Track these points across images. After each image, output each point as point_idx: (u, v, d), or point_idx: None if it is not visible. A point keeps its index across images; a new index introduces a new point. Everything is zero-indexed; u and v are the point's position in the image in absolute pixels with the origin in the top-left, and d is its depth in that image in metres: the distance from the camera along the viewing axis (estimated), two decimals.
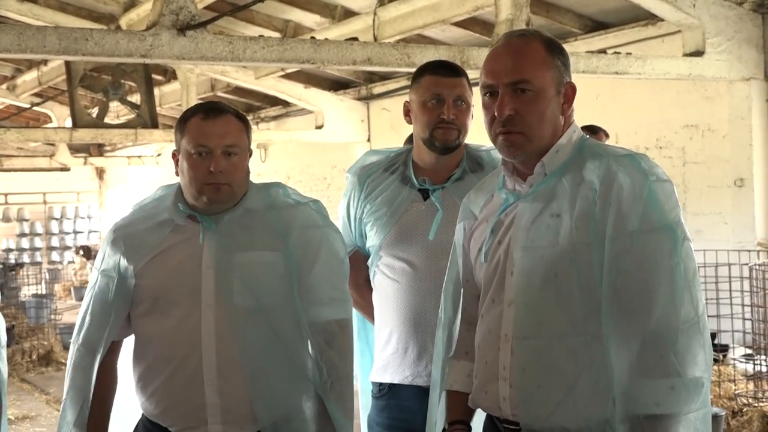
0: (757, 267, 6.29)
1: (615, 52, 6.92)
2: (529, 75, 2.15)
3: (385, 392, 3.02)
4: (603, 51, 7.00)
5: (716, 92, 7.64)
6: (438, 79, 2.96)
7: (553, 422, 2.09)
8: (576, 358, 2.09)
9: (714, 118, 7.70)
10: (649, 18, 7.79)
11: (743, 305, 6.13)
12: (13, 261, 18.63)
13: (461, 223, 2.45)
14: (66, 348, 10.50)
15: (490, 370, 2.22)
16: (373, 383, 3.07)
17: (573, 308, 2.10)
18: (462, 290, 2.44)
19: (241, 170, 2.52)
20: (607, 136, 4.87)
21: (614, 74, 6.67)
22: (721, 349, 6.22)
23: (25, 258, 20.49)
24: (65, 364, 9.47)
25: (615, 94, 8.41)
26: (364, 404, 3.20)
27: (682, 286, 2.07)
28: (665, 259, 2.06)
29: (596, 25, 8.57)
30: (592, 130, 4.79)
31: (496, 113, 2.16)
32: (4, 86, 15.06)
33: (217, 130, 2.48)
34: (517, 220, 2.21)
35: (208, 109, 2.54)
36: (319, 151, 13.48)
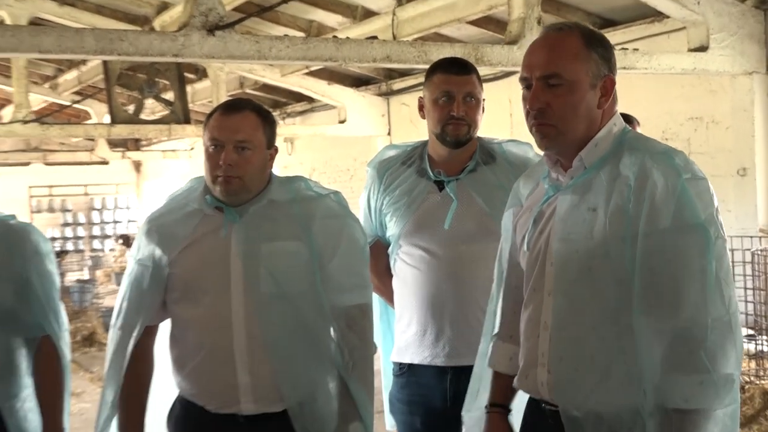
0: (759, 252, 6.30)
1: (622, 48, 6.88)
2: (560, 69, 2.09)
3: (405, 371, 3.03)
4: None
5: (720, 86, 7.60)
6: (448, 77, 2.94)
7: (588, 408, 2.06)
8: (609, 349, 2.05)
9: (718, 110, 7.66)
10: (655, 15, 7.75)
11: (745, 288, 6.10)
12: (57, 249, 18.78)
13: (510, 209, 2.42)
14: (107, 330, 10.58)
15: (531, 355, 2.20)
16: (394, 363, 3.08)
17: (606, 301, 2.05)
18: (508, 272, 2.41)
19: (253, 164, 2.49)
20: (638, 123, 4.76)
21: (622, 69, 6.63)
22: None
23: (69, 246, 20.68)
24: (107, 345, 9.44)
25: (623, 88, 8.19)
26: (386, 384, 3.21)
27: (713, 284, 1.98)
28: (696, 258, 1.99)
29: (604, 23, 8.53)
30: (626, 119, 4.72)
31: (528, 106, 2.13)
32: (46, 85, 15.16)
33: (230, 125, 2.47)
34: (557, 212, 2.16)
35: (228, 106, 2.55)
36: (342, 145, 13.48)
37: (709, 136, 7.82)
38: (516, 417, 2.39)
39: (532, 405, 2.29)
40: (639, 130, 4.66)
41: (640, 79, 7.87)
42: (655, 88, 8.11)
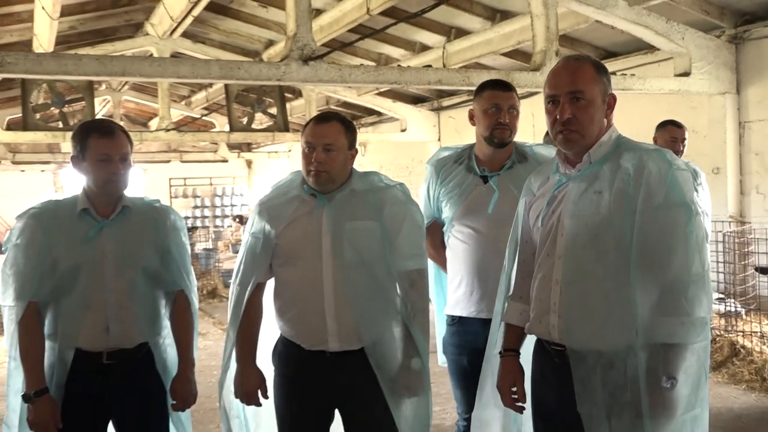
0: (728, 233, 6.21)
1: (622, 74, 6.77)
2: (583, 87, 2.10)
3: (456, 322, 3.00)
4: (613, 73, 6.82)
5: (699, 103, 7.42)
6: (496, 93, 2.90)
7: (591, 346, 2.06)
8: (609, 299, 2.04)
9: (697, 122, 7.50)
10: (648, 48, 7.57)
11: (717, 262, 6.02)
12: (189, 225, 19.15)
13: (523, 198, 2.41)
14: (226, 286, 10.75)
15: (544, 306, 2.19)
16: (447, 315, 3.06)
17: (608, 262, 2.05)
18: (520, 248, 2.39)
19: (337, 162, 2.48)
20: (686, 128, 4.61)
21: (621, 90, 6.52)
22: None
23: (198, 223, 21.02)
24: (226, 298, 9.65)
25: (621, 105, 8.04)
26: (439, 330, 3.19)
27: (693, 248, 2.00)
28: (682, 227, 2.00)
29: (608, 54, 8.36)
30: (676, 125, 4.56)
31: (557, 116, 2.12)
32: (182, 102, 15.39)
33: (320, 132, 2.47)
34: (568, 195, 2.17)
35: (319, 117, 2.54)
36: (403, 148, 13.46)
37: (690, 142, 7.53)
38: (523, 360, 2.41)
39: (539, 348, 2.28)
40: (687, 134, 4.52)
41: (636, 98, 7.73)
42: (647, 105, 7.96)
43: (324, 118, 2.53)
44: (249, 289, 2.57)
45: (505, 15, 7.88)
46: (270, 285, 2.66)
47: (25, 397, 2.47)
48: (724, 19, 6.89)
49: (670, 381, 1.97)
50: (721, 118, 7.03)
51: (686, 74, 6.73)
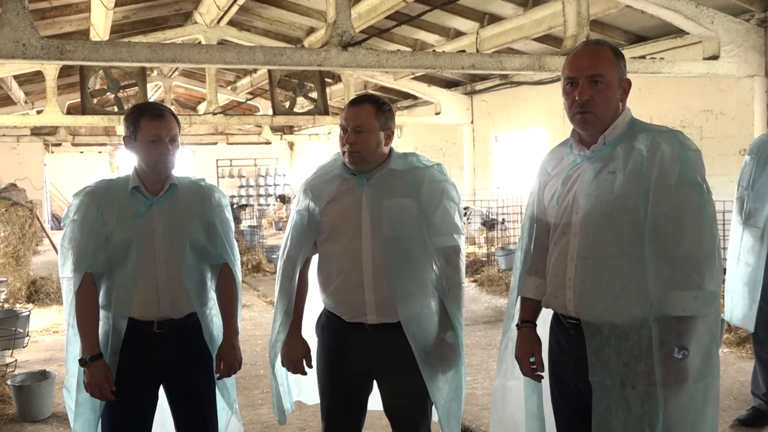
0: None
1: (651, 58, 6.60)
2: (602, 70, 2.08)
3: None
4: (643, 57, 6.68)
5: (727, 86, 7.22)
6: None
7: (605, 319, 2.06)
8: (622, 273, 2.04)
9: (725, 105, 7.31)
10: (677, 32, 7.39)
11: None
12: (243, 203, 19.42)
13: (537, 178, 2.38)
14: (270, 261, 10.82)
15: (560, 281, 2.18)
16: None
17: (622, 238, 2.04)
18: (536, 226, 2.37)
19: (368, 142, 2.45)
20: None
21: (651, 74, 6.38)
22: (724, 272, 5.96)
23: (243, 202, 21.23)
24: (269, 272, 9.66)
25: (651, 88, 8.04)
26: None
27: (705, 225, 2.00)
28: (694, 205, 2.00)
29: (638, 38, 8.18)
30: None
31: (576, 98, 2.10)
32: (228, 87, 15.49)
33: (351, 115, 2.46)
34: (582, 175, 2.16)
35: (352, 101, 2.52)
36: (437, 131, 13.38)
37: (718, 124, 7.46)
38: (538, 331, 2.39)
39: (556, 322, 2.28)
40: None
41: (665, 81, 7.56)
42: (676, 87, 7.79)
43: (355, 101, 2.51)
44: (294, 263, 2.56)
45: (537, 1, 7.75)
46: (315, 260, 2.65)
47: (81, 362, 2.52)
48: (754, 3, 6.67)
49: (682, 352, 1.97)
50: (749, 101, 6.83)
51: (715, 57, 6.54)
